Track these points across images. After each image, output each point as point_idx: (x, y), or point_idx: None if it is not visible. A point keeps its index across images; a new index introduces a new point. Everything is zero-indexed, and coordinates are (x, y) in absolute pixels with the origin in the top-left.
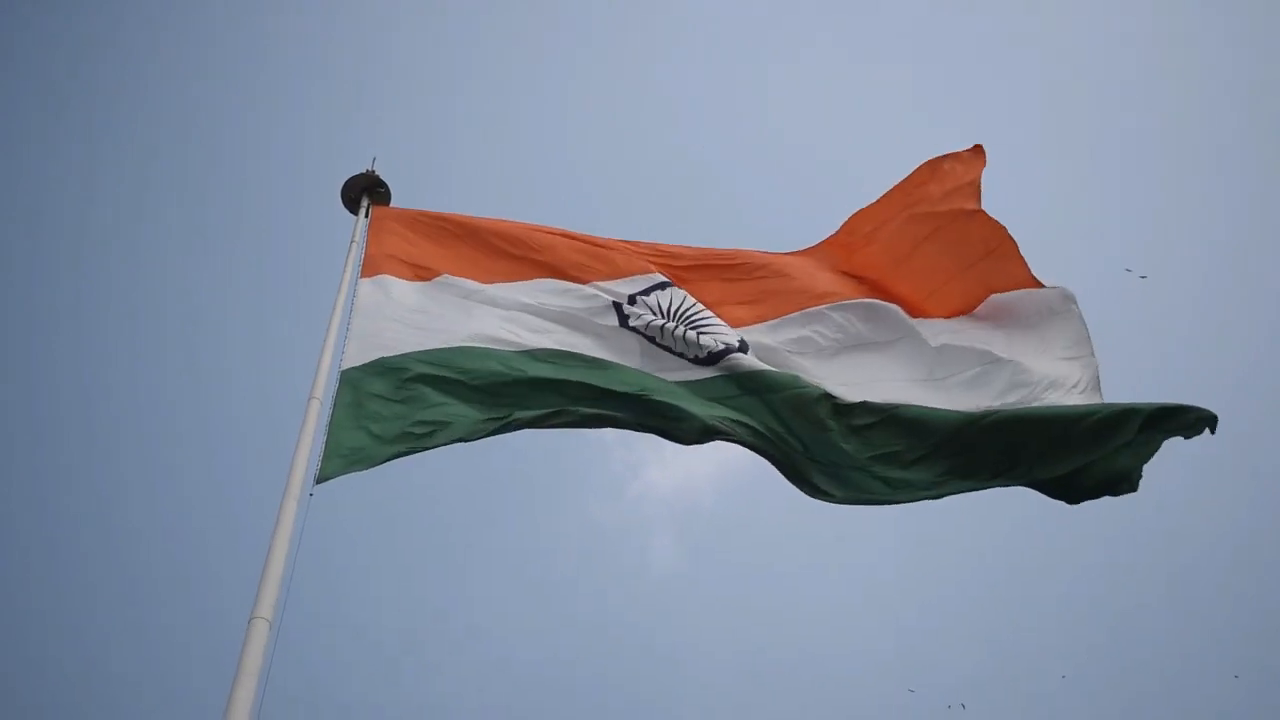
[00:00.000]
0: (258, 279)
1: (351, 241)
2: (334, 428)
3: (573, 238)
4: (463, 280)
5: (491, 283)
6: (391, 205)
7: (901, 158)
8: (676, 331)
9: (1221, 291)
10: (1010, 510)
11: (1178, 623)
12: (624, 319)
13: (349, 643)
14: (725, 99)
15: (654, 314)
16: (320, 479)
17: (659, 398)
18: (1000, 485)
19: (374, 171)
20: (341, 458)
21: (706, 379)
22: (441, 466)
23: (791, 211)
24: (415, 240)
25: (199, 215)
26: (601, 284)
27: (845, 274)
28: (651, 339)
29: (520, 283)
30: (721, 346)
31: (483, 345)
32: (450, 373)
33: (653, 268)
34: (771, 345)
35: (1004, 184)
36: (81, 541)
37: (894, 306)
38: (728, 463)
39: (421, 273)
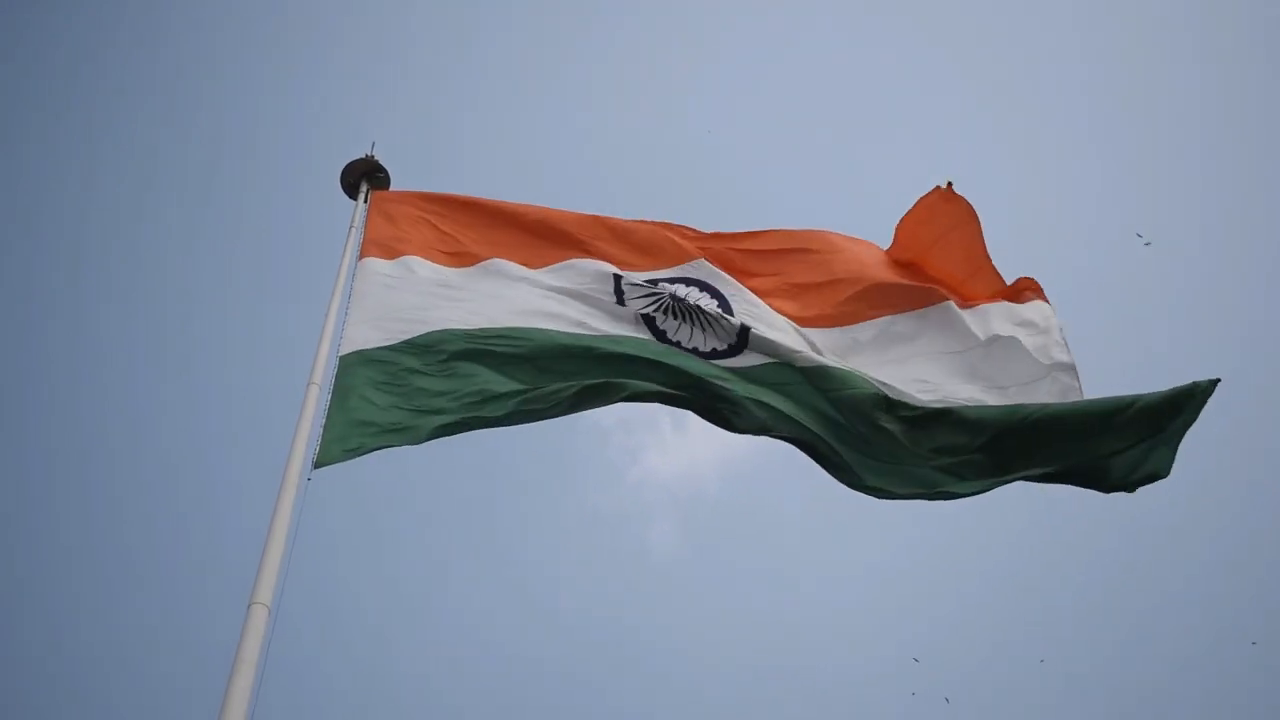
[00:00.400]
0: (256, 265)
1: (351, 227)
2: (353, 406)
3: (609, 224)
4: (511, 264)
5: (538, 267)
6: (392, 190)
7: (906, 150)
8: (719, 317)
9: (1217, 275)
10: (1021, 508)
11: (1186, 618)
12: (621, 297)
13: (343, 630)
14: (733, 81)
15: (672, 299)
16: (335, 459)
17: (726, 385)
18: (1042, 475)
19: (373, 156)
20: (370, 435)
21: (760, 365)
22: (438, 453)
23: (800, 204)
24: (443, 224)
25: (197, 200)
26: (638, 273)
27: (895, 261)
28: (669, 328)
29: (559, 267)
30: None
31: (541, 325)
32: (504, 346)
33: (697, 254)
34: (823, 345)
35: (1002, 172)
36: (76, 528)
37: (949, 304)
38: (733, 449)
39: (462, 257)
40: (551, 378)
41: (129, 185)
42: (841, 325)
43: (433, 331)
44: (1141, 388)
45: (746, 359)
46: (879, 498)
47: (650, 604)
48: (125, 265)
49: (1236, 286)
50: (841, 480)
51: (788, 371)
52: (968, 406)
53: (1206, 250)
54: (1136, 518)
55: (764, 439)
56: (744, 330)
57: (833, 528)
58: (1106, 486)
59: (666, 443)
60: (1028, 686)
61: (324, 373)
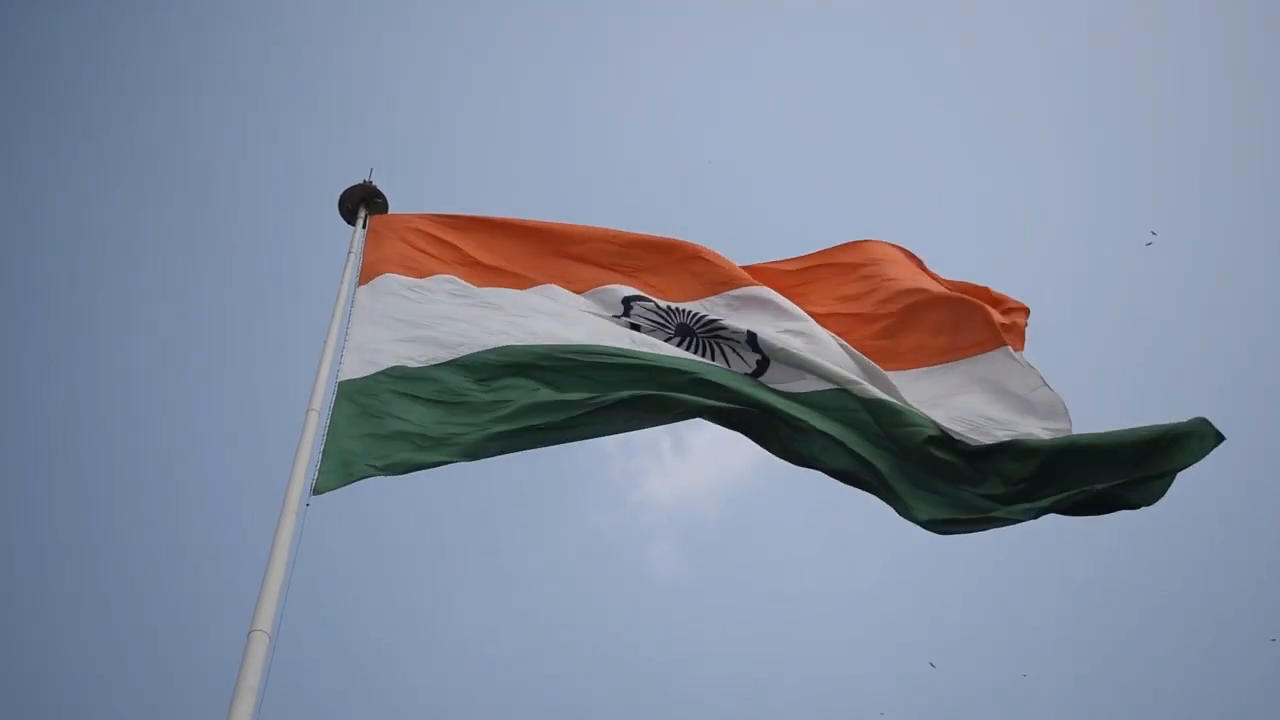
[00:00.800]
0: (257, 291)
1: (349, 252)
2: (388, 423)
3: (650, 243)
4: (559, 288)
5: (583, 292)
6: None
7: (904, 157)
8: (736, 334)
9: (1218, 276)
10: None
11: (1187, 620)
12: (628, 312)
13: (345, 655)
14: (733, 99)
15: (682, 326)
16: (365, 474)
17: (789, 411)
18: (1088, 493)
19: (371, 182)
20: (413, 451)
21: (819, 391)
22: (438, 474)
23: (804, 215)
24: (469, 245)
25: (196, 225)
26: (679, 303)
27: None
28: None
29: (599, 291)
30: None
31: (599, 343)
32: (557, 363)
33: (750, 280)
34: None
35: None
36: (73, 554)
37: (1007, 349)
38: (733, 470)
39: (504, 277)
40: (607, 391)
41: (124, 205)
42: (904, 369)
43: (485, 350)
44: (1143, 391)
45: (806, 384)
46: (935, 531)
47: (651, 623)
48: (123, 287)
49: (1237, 287)
50: (898, 510)
51: (847, 398)
52: (1028, 439)
53: (1208, 252)
54: (1136, 518)
55: (767, 460)
56: (751, 336)
57: (835, 544)
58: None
59: (666, 465)
60: (1029, 690)
61: (323, 398)
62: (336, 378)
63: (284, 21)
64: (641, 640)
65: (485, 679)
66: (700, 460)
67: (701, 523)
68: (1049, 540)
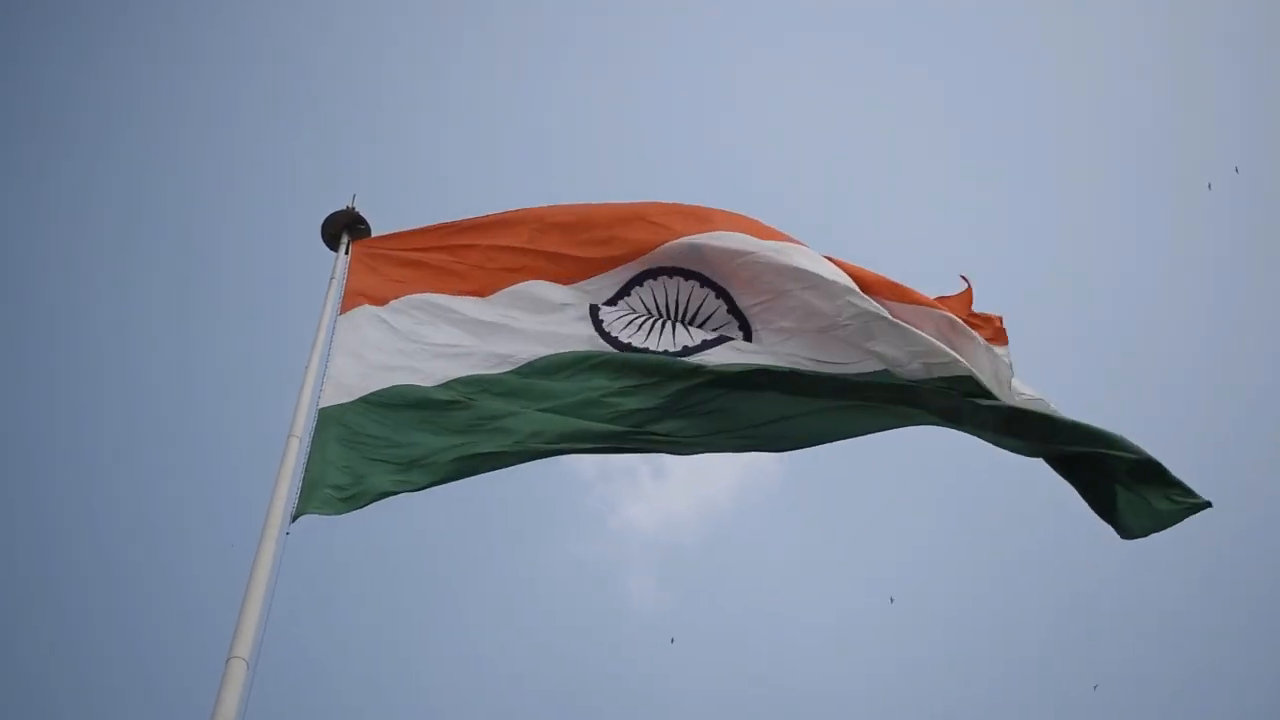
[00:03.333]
0: (242, 318)
1: (331, 279)
2: (378, 448)
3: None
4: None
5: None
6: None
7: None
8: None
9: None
10: (1016, 527)
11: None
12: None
13: (324, 685)
14: (724, 112)
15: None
16: (372, 497)
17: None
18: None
19: (354, 208)
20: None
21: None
22: (417, 500)
23: (800, 221)
24: (456, 250)
25: (179, 251)
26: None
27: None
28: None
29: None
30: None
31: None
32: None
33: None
34: None
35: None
36: (48, 579)
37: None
38: (712, 494)
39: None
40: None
41: (104, 233)
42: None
43: (456, 380)
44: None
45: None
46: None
47: (632, 649)
48: (107, 313)
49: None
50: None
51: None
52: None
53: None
54: (1122, 550)
55: (747, 484)
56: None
57: (815, 565)
58: None
59: (645, 491)
60: (1028, 701)
61: (304, 425)
62: (317, 404)
63: (265, 49)
64: (623, 668)
65: (465, 708)
66: (679, 485)
67: (681, 548)
68: (1051, 547)
